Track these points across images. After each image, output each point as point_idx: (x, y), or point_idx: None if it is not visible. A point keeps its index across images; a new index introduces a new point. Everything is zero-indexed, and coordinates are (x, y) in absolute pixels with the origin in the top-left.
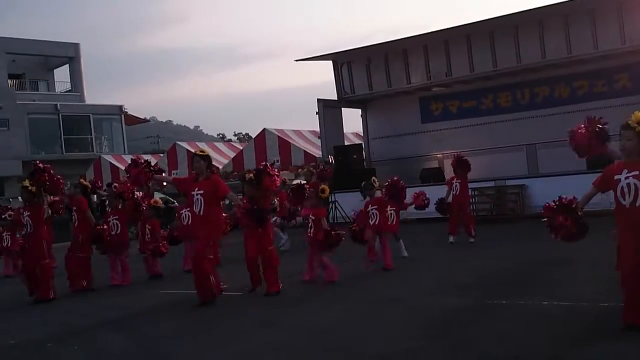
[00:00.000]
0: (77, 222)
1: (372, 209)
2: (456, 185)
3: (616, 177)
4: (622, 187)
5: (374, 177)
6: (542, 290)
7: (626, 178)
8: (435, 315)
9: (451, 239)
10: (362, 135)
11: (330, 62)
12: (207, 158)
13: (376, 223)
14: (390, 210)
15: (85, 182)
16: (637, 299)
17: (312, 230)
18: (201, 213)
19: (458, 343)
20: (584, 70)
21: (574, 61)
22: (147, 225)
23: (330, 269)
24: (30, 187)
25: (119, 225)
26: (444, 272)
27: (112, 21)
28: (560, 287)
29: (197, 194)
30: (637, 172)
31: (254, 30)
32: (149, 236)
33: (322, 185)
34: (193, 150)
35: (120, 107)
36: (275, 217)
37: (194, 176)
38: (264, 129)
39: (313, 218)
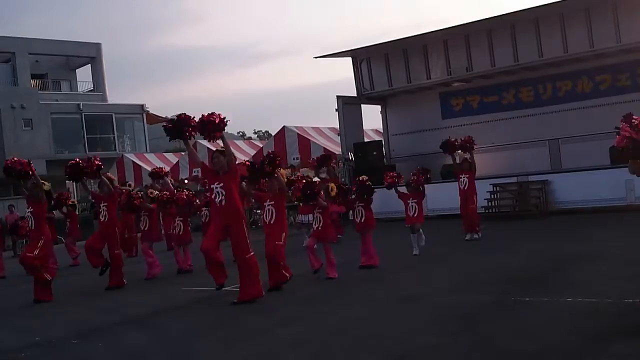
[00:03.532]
0: (107, 218)
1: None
2: (464, 180)
3: None
4: None
5: (363, 176)
6: (566, 286)
7: None
8: (457, 312)
9: (467, 236)
10: (382, 131)
11: (349, 59)
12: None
13: (362, 221)
14: (412, 202)
15: (112, 177)
16: None
17: (320, 225)
18: (223, 204)
19: (480, 340)
20: (607, 64)
21: (597, 55)
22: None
23: (328, 263)
24: (38, 184)
25: (148, 220)
26: (465, 269)
27: (133, 21)
28: (584, 283)
29: (217, 187)
30: None
31: (272, 27)
32: (181, 231)
33: (331, 184)
34: (214, 149)
35: (142, 106)
36: (301, 217)
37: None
38: (284, 127)
39: (321, 211)
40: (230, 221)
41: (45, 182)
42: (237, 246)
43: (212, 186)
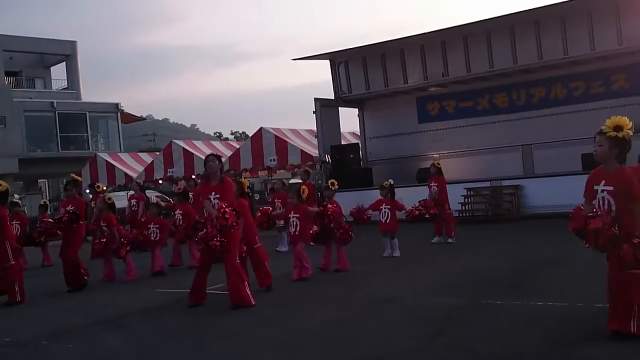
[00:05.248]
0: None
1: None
2: (434, 189)
3: (595, 187)
4: (599, 199)
5: (332, 180)
6: (537, 290)
7: (602, 191)
8: (430, 315)
9: (435, 239)
10: (359, 134)
11: (327, 62)
12: (220, 159)
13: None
14: (385, 208)
15: (78, 179)
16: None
17: (296, 229)
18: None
19: (452, 343)
20: (581, 71)
21: (571, 62)
22: (152, 224)
23: (306, 266)
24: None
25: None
26: (439, 272)
27: (109, 19)
28: (555, 287)
29: (214, 198)
30: (611, 188)
31: (252, 28)
32: (157, 235)
33: (303, 186)
34: (189, 149)
35: (117, 105)
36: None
37: (205, 180)
38: (261, 128)
39: (297, 216)
40: (228, 235)
41: (1, 182)
42: (227, 253)
43: (208, 196)
